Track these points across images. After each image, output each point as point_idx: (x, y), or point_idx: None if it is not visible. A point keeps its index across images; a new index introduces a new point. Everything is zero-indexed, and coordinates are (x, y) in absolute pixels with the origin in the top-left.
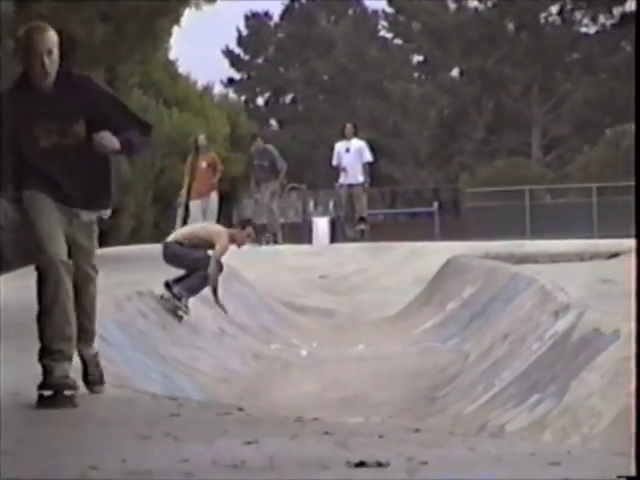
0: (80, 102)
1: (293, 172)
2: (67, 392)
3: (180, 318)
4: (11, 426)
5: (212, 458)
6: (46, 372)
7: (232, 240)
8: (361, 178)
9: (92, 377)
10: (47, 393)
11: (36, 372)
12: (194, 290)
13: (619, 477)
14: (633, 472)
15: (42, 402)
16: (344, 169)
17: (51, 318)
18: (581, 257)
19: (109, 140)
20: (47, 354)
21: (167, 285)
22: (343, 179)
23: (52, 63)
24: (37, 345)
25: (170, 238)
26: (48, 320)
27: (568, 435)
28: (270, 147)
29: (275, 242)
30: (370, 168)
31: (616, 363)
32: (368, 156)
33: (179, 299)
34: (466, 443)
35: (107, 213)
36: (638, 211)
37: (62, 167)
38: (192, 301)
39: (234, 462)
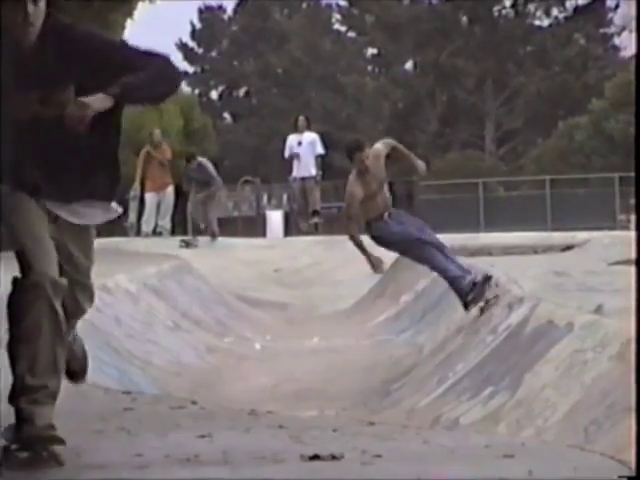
0: (71, 62)
1: (247, 166)
2: (52, 447)
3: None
4: None
5: (165, 452)
6: (23, 420)
7: None
8: (314, 171)
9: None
10: (23, 454)
11: None
12: None
13: (620, 477)
14: (588, 465)
15: (16, 461)
16: (297, 160)
17: (32, 346)
18: (535, 250)
19: (82, 106)
20: (24, 392)
21: None
22: (296, 172)
23: (37, 12)
24: None
25: None
26: (27, 349)
27: (522, 427)
28: (204, 161)
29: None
30: (323, 161)
31: (570, 355)
32: (320, 149)
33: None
34: (420, 436)
35: (114, 210)
36: (638, 205)
37: (44, 147)
38: (146, 295)
39: (187, 456)
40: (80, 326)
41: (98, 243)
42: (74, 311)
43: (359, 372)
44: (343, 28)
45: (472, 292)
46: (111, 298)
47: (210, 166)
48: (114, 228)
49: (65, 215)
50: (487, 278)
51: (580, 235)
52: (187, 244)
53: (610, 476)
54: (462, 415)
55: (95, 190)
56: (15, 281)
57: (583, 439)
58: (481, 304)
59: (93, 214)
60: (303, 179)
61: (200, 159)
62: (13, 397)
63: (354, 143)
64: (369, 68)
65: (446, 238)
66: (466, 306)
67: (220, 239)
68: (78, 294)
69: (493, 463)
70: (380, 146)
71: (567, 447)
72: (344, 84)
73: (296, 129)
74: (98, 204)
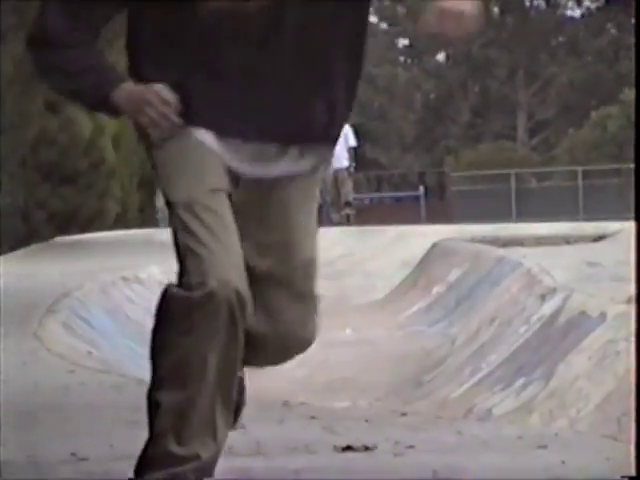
0: None
1: None
2: None
3: None
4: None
5: None
6: None
7: None
8: (346, 162)
9: None
10: None
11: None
12: None
13: (622, 477)
14: (622, 455)
15: None
16: None
17: (187, 393)
18: (567, 240)
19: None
20: (164, 463)
21: None
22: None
23: None
24: None
25: None
26: (176, 397)
27: (555, 418)
28: None
29: None
30: (355, 152)
31: (603, 345)
32: (352, 141)
33: None
34: (453, 426)
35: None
36: (638, 195)
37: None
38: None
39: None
40: (114, 318)
41: (130, 234)
42: (273, 341)
43: (391, 363)
44: (375, 19)
45: None
46: (144, 289)
47: None
48: (145, 218)
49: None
50: None
51: (612, 226)
52: None
53: None
54: (495, 406)
55: (329, 125)
56: (167, 291)
57: (616, 429)
58: None
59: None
60: (336, 170)
61: None
62: (143, 468)
63: None
64: (401, 59)
65: (478, 229)
66: None
67: None
68: (285, 310)
69: (526, 454)
70: None
71: (600, 437)
72: (376, 75)
73: None
74: (328, 142)
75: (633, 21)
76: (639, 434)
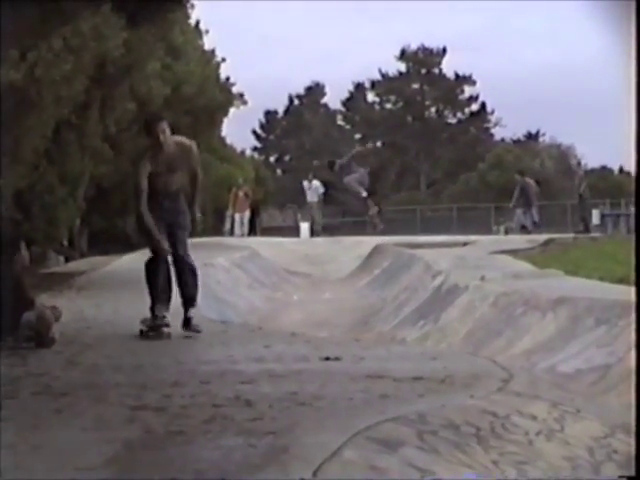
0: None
1: (288, 198)
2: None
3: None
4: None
5: (246, 355)
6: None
7: None
8: (316, 199)
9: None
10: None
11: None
12: None
13: (620, 477)
14: (480, 363)
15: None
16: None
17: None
18: (447, 245)
19: None
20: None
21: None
22: (309, 198)
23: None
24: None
25: None
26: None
27: (440, 343)
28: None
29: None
30: (324, 195)
31: (467, 303)
32: (321, 189)
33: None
34: (385, 347)
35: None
36: (638, 205)
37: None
38: (234, 269)
39: (258, 357)
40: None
41: (207, 240)
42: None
43: (351, 312)
44: (343, 123)
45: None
46: (214, 270)
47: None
48: (216, 231)
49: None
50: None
51: (473, 237)
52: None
53: (487, 366)
54: (408, 335)
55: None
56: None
57: (473, 349)
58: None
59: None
60: (309, 203)
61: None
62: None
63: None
64: (356, 145)
65: (399, 239)
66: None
67: (276, 238)
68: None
69: (425, 362)
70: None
71: (465, 353)
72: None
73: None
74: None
75: (634, 20)
76: (639, 434)
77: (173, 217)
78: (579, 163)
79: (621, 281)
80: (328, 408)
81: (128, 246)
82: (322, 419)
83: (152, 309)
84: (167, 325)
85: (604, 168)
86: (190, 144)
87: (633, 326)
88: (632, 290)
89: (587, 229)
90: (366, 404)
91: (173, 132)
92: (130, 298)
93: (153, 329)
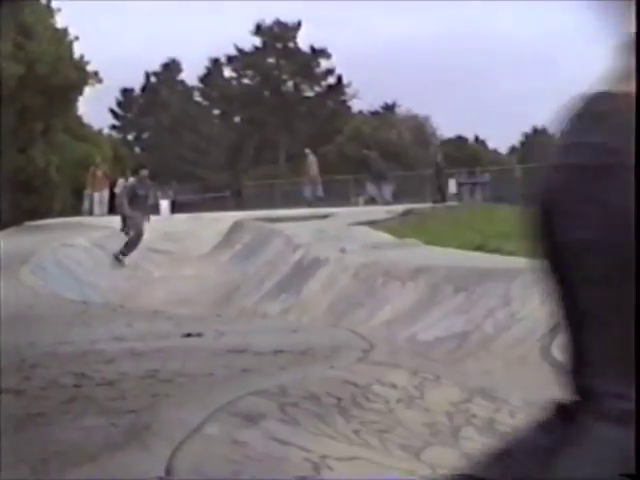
0: None
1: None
2: None
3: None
4: None
5: (107, 334)
6: None
7: None
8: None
9: None
10: None
11: None
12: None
13: (620, 476)
14: (342, 334)
15: None
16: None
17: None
18: (307, 218)
19: None
20: None
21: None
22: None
23: None
24: None
25: None
26: None
27: (302, 315)
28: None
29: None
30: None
31: (328, 275)
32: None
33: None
34: (247, 322)
35: None
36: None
37: None
38: (94, 249)
39: (119, 336)
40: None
41: (66, 220)
42: None
43: (213, 287)
44: (201, 99)
45: None
46: (73, 250)
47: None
48: (77, 211)
49: None
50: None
51: (333, 210)
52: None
53: (349, 337)
54: (270, 310)
55: None
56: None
57: (335, 321)
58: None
59: None
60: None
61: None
62: None
63: None
64: (215, 121)
65: (259, 214)
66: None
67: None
68: None
69: (287, 335)
70: None
71: (327, 326)
72: (202, 133)
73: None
74: None
75: (634, 22)
76: (639, 434)
77: None
78: (434, 133)
79: (478, 249)
80: (190, 384)
81: None
82: (183, 395)
83: None
84: None
85: (459, 138)
86: None
87: (492, 292)
88: (489, 257)
89: (444, 198)
90: (227, 379)
91: (28, 113)
92: None
93: None
